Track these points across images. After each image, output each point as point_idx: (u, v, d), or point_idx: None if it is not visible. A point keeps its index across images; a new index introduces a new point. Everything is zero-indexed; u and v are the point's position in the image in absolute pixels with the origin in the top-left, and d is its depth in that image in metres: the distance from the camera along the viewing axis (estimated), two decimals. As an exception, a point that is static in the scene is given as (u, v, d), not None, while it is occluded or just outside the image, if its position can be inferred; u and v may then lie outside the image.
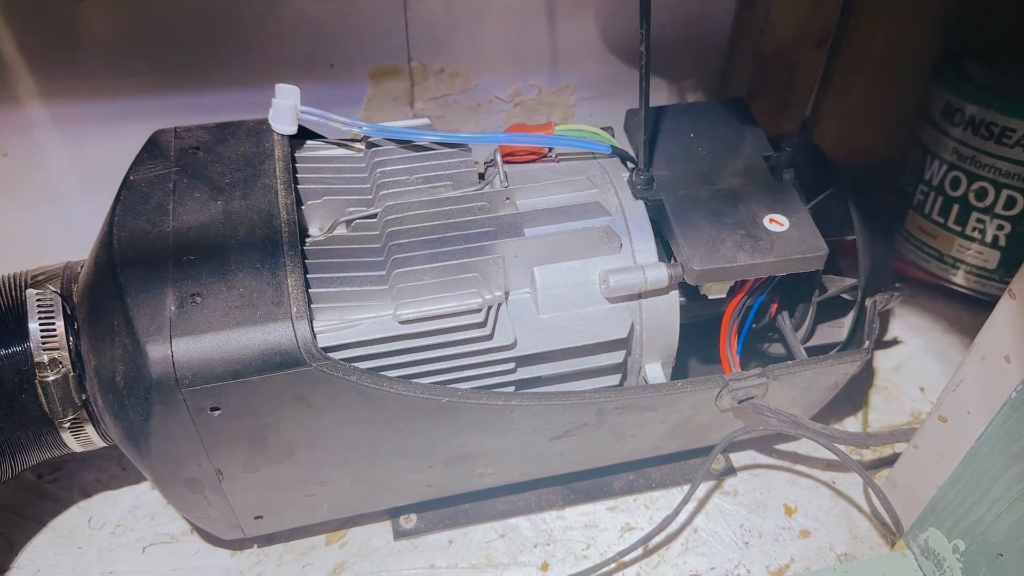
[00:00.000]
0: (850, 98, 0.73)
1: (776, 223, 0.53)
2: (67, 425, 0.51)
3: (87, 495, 0.63)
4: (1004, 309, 0.48)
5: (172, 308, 0.45)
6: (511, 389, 0.53)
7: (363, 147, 0.57)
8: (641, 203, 0.55)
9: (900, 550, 0.56)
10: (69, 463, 0.64)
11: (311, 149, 0.56)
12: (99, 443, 0.54)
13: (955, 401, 0.53)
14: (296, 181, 0.53)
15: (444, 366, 0.50)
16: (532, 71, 0.69)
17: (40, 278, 0.52)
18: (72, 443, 0.53)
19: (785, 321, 0.59)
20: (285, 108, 0.53)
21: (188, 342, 0.44)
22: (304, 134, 0.56)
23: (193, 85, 0.62)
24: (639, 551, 0.59)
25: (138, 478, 0.64)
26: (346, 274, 0.49)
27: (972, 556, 0.50)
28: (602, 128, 0.59)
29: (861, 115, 0.74)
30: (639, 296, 0.53)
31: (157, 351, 0.44)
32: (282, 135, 0.54)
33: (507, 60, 0.68)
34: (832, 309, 0.62)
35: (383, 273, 0.50)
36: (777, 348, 0.64)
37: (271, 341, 0.45)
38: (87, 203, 0.62)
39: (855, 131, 0.75)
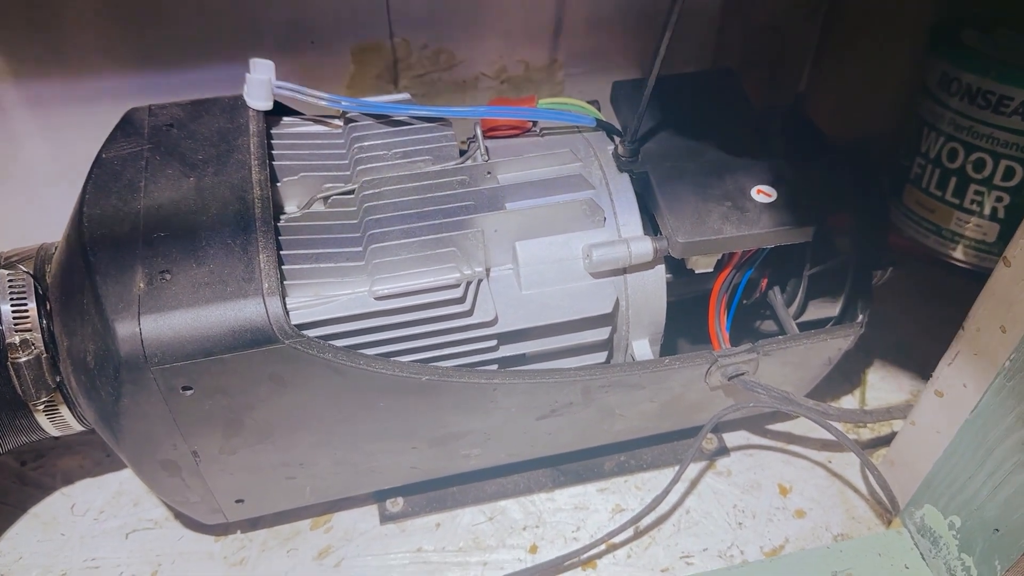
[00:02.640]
0: (844, 71, 0.71)
1: (764, 194, 0.52)
2: (41, 407, 0.50)
3: (70, 481, 0.62)
4: (999, 278, 0.47)
5: (141, 285, 0.44)
6: (494, 368, 0.52)
7: (341, 123, 0.56)
8: (626, 176, 0.53)
9: (896, 528, 0.54)
10: (52, 450, 0.64)
11: (288, 126, 0.55)
12: (76, 427, 0.53)
13: (951, 374, 0.52)
14: (271, 158, 0.52)
15: (423, 343, 0.49)
16: (519, 46, 0.68)
17: (13, 259, 0.51)
18: (48, 426, 0.52)
19: (776, 296, 0.57)
20: (260, 83, 0.52)
21: (157, 319, 0.43)
22: (281, 111, 0.55)
23: (170, 63, 0.60)
24: (630, 532, 0.58)
25: (122, 465, 0.63)
26: (321, 250, 0.48)
27: (968, 532, 0.49)
28: (588, 102, 0.58)
29: (856, 88, 0.73)
30: (624, 271, 0.52)
31: (125, 329, 0.43)
32: (257, 111, 0.52)
33: (493, 35, 0.66)
34: (825, 284, 0.60)
35: (359, 249, 0.49)
36: (769, 326, 0.63)
37: (242, 318, 0.44)
38: (61, 186, 0.61)
39: (850, 105, 0.74)
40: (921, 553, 0.52)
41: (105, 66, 0.59)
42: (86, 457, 0.63)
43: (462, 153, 0.56)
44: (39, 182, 0.62)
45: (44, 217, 0.62)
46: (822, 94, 0.73)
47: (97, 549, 0.58)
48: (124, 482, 0.62)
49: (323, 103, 0.52)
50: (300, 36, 0.62)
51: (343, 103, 0.53)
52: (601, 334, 0.53)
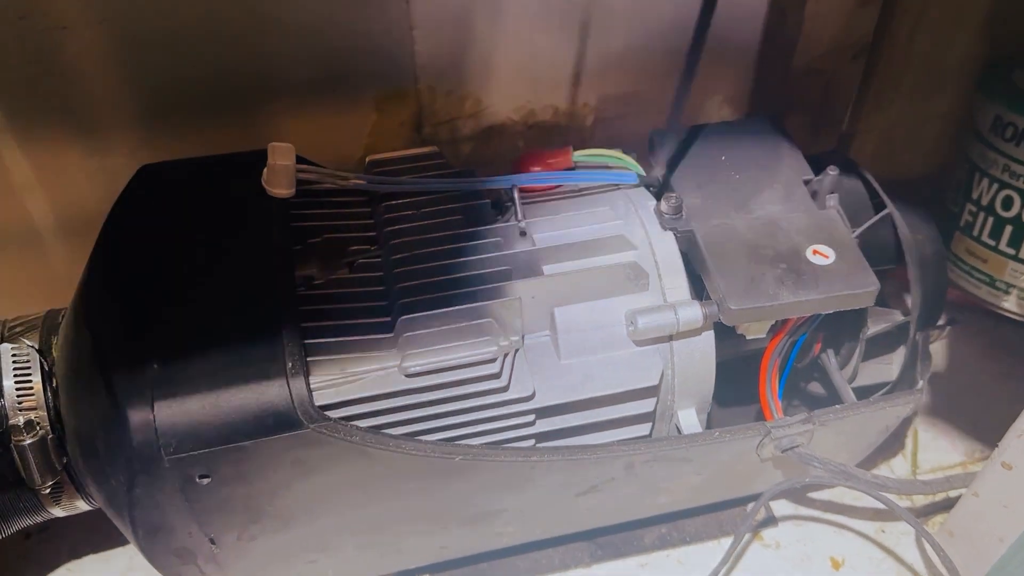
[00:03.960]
0: (889, 112, 0.68)
1: (820, 255, 0.48)
2: (48, 492, 0.47)
3: (77, 556, 0.59)
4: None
5: (155, 367, 0.41)
6: (531, 443, 0.48)
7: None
8: (670, 234, 0.50)
9: (963, 612, 0.50)
10: (58, 522, 0.60)
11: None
12: (84, 507, 0.49)
13: (1021, 445, 0.48)
14: (293, 219, 0.48)
15: (456, 421, 0.46)
16: (546, 91, 0.65)
17: (17, 329, 0.48)
18: (56, 510, 0.49)
19: (830, 359, 0.54)
20: (281, 170, 0.47)
21: (172, 405, 0.40)
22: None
23: (186, 114, 0.57)
24: (676, 613, 0.54)
25: (132, 542, 0.59)
26: (347, 322, 0.45)
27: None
28: (625, 152, 0.54)
29: (901, 130, 0.69)
30: (670, 338, 0.49)
31: (137, 416, 0.40)
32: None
33: (519, 80, 0.63)
34: (879, 346, 0.57)
35: (388, 320, 0.45)
36: (817, 388, 0.59)
37: (264, 401, 0.40)
38: (71, 243, 0.58)
39: (895, 147, 0.70)
40: (995, 643, 0.48)
41: (115, 120, 0.56)
42: (93, 531, 0.59)
43: (495, 206, 0.53)
44: (45, 240, 0.59)
45: (50, 279, 0.59)
46: (865, 136, 0.69)
47: (106, 632, 0.54)
48: (134, 558, 0.58)
49: (351, 184, 0.49)
50: (322, 85, 0.59)
51: (371, 185, 0.49)
52: (646, 406, 0.49)
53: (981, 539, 0.51)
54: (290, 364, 0.41)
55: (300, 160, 0.46)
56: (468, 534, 0.52)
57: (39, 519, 0.50)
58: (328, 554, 0.49)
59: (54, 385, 0.46)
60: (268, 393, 0.40)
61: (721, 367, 0.51)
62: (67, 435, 0.45)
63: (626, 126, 0.67)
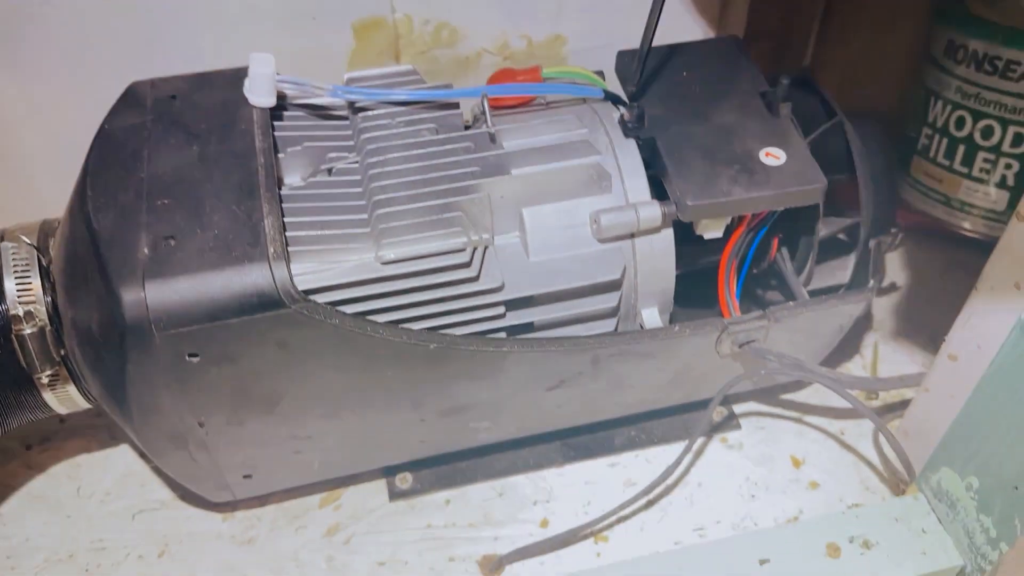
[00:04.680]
0: (850, 44, 0.71)
1: (772, 157, 0.51)
2: (46, 381, 0.49)
3: (76, 465, 0.62)
4: (1012, 233, 0.46)
5: (145, 251, 0.44)
6: (503, 336, 0.51)
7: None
8: (632, 141, 0.53)
9: (912, 494, 0.53)
10: (57, 433, 0.63)
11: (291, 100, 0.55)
12: (82, 403, 0.52)
13: (965, 337, 0.51)
14: (274, 128, 0.51)
15: (431, 311, 0.49)
16: (521, 21, 0.67)
17: (15, 232, 0.51)
18: (54, 403, 0.52)
19: (785, 262, 0.57)
20: (261, 78, 0.50)
21: (162, 284, 0.43)
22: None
23: (168, 33, 0.60)
24: (641, 504, 0.57)
25: (128, 447, 0.62)
26: (326, 218, 0.48)
27: (987, 492, 0.48)
28: (594, 73, 0.57)
29: (861, 61, 0.72)
30: (632, 236, 0.52)
31: (130, 294, 0.42)
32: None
33: (495, 10, 0.66)
34: (834, 252, 0.60)
35: (364, 216, 0.48)
36: (777, 298, 0.62)
37: (248, 282, 0.43)
38: (61, 165, 0.61)
39: (855, 77, 0.73)
40: (938, 517, 0.52)
41: (104, 41, 0.59)
42: (92, 440, 0.63)
43: (467, 128, 0.55)
44: (36, 162, 0.62)
45: (44, 196, 0.62)
46: (827, 67, 0.72)
47: (104, 530, 0.57)
48: (131, 464, 0.61)
49: (327, 95, 0.52)
50: (302, 12, 0.62)
51: (349, 95, 0.52)
52: (610, 300, 0.52)
53: (931, 432, 0.54)
54: (271, 249, 0.44)
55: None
56: (446, 428, 0.55)
57: (40, 415, 0.52)
58: (313, 444, 0.52)
59: (51, 282, 0.49)
60: (251, 274, 0.43)
61: (683, 281, 0.54)
62: (64, 327, 0.48)
63: (600, 57, 0.70)
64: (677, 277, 0.54)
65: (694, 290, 0.57)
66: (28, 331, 0.47)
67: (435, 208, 0.48)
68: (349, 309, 0.47)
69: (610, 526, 0.57)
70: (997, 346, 0.47)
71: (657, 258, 0.52)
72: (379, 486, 0.59)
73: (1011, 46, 0.61)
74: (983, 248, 0.53)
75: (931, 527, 0.51)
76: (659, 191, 0.52)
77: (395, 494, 0.59)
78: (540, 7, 0.67)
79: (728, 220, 0.52)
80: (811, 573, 0.49)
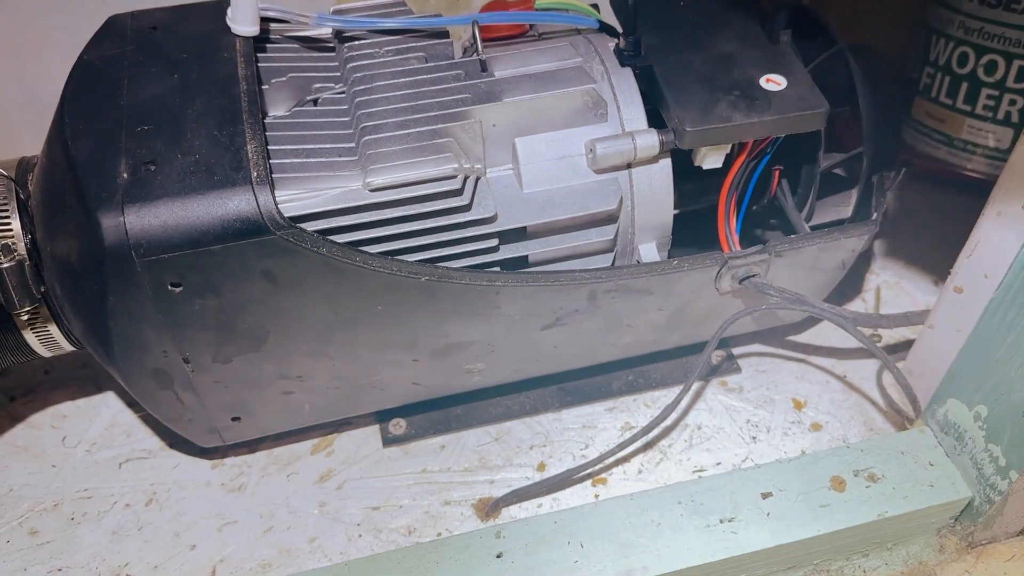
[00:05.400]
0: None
1: (773, 83, 0.50)
2: (26, 318, 0.48)
3: (61, 415, 0.60)
4: (1020, 154, 0.45)
5: (125, 176, 0.42)
6: (496, 271, 0.50)
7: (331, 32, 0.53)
8: (628, 70, 0.51)
9: (918, 428, 0.52)
10: (42, 384, 0.62)
11: (275, 31, 0.53)
12: (65, 345, 0.51)
13: (971, 267, 0.50)
14: (258, 60, 0.50)
15: (422, 242, 0.47)
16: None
17: (-8, 169, 0.49)
18: (35, 344, 0.50)
19: (786, 196, 0.55)
20: (244, 5, 0.49)
21: (141, 209, 0.41)
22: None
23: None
24: (639, 445, 0.56)
25: (114, 397, 0.61)
26: (312, 146, 0.46)
27: (995, 420, 0.47)
28: (589, 5, 0.56)
29: (864, 1, 0.70)
30: (629, 166, 0.50)
31: (109, 219, 0.41)
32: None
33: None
34: (837, 187, 0.58)
35: (352, 145, 0.47)
36: (778, 236, 0.60)
37: (230, 207, 0.42)
38: (36, 106, 0.59)
39: (855, 18, 0.71)
40: (945, 450, 0.50)
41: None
42: (77, 390, 0.61)
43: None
44: (14, 100, 0.60)
45: (23, 135, 0.60)
46: (825, 8, 0.70)
47: (90, 480, 0.56)
48: (117, 414, 0.60)
49: (312, 23, 0.50)
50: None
51: (335, 23, 0.50)
52: (606, 233, 0.51)
53: (937, 369, 0.53)
54: (255, 173, 0.42)
55: None
56: (439, 369, 0.53)
57: (22, 358, 0.51)
58: (304, 384, 0.51)
59: (31, 216, 0.47)
60: (234, 199, 0.42)
61: (681, 224, 0.53)
62: (44, 263, 0.46)
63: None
64: (675, 218, 0.52)
65: (692, 234, 0.56)
66: (6, 265, 0.46)
67: (424, 134, 0.46)
68: (338, 239, 0.45)
69: (608, 468, 0.55)
70: (1003, 269, 0.46)
71: (655, 190, 0.51)
72: (372, 432, 0.58)
73: (1016, -24, 0.59)
74: (986, 190, 0.52)
75: (938, 460, 0.50)
76: (657, 123, 0.51)
77: (388, 440, 0.57)
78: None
79: (728, 148, 0.50)
80: (815, 506, 0.47)
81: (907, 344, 0.62)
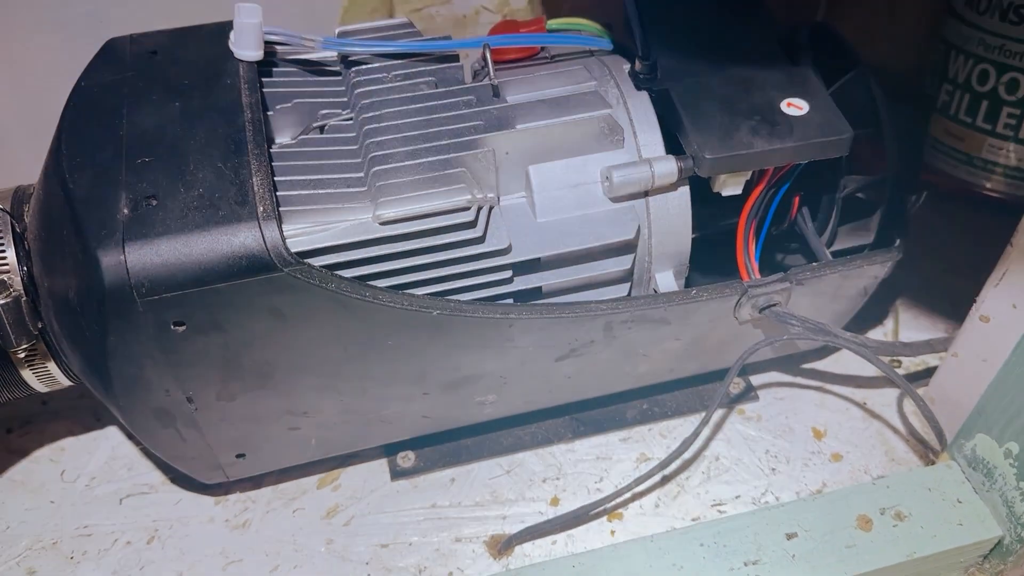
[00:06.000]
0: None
1: (794, 107, 0.48)
2: (23, 356, 0.46)
3: (60, 448, 0.58)
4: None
5: (125, 212, 0.40)
6: (510, 302, 0.48)
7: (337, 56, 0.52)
8: (644, 94, 0.50)
9: (944, 463, 0.51)
10: (39, 416, 0.60)
11: (280, 55, 0.51)
12: (63, 381, 0.49)
13: (998, 296, 0.48)
14: (262, 84, 0.48)
15: (433, 275, 0.46)
16: (521, -23, 0.64)
17: (-13, 200, 0.48)
18: (32, 381, 0.49)
19: (806, 222, 0.54)
20: (248, 29, 0.47)
21: (143, 246, 0.39)
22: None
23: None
24: (656, 480, 0.55)
25: (114, 430, 0.59)
26: (319, 176, 0.44)
27: (1028, 459, 0.45)
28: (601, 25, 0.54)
29: (877, 16, 0.69)
30: (646, 194, 0.48)
31: (109, 257, 0.39)
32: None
33: (494, -35, 0.63)
34: (857, 213, 0.57)
35: (361, 175, 0.45)
36: (797, 261, 0.59)
37: (236, 243, 0.40)
38: (34, 128, 0.57)
39: (872, 35, 0.70)
40: (973, 487, 0.49)
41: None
42: (76, 423, 0.60)
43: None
44: (9, 127, 0.58)
45: (18, 162, 0.58)
46: (841, 24, 0.69)
47: (90, 516, 0.54)
48: (117, 447, 0.58)
49: (318, 47, 0.48)
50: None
51: (341, 46, 0.49)
52: (622, 263, 0.49)
53: (962, 400, 0.51)
54: (261, 208, 0.41)
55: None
56: (450, 402, 0.52)
57: (18, 393, 0.49)
58: (310, 419, 0.49)
59: (27, 249, 0.45)
60: (240, 235, 0.40)
61: (698, 249, 0.51)
62: (41, 298, 0.45)
63: (604, 14, 0.66)
64: (692, 243, 0.51)
65: (709, 260, 0.54)
66: (2, 302, 0.44)
67: (436, 164, 0.45)
68: (347, 273, 0.44)
69: (624, 503, 0.54)
70: (1037, 305, 0.44)
71: (673, 217, 0.49)
72: (380, 465, 0.56)
73: (1039, -7, 0.58)
74: (1006, 210, 0.51)
75: (966, 497, 0.48)
76: (674, 147, 0.49)
77: (397, 473, 0.56)
78: (541, -39, 0.64)
79: (748, 175, 0.49)
80: (842, 547, 0.46)
81: (929, 371, 0.60)
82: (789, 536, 0.46)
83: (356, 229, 0.43)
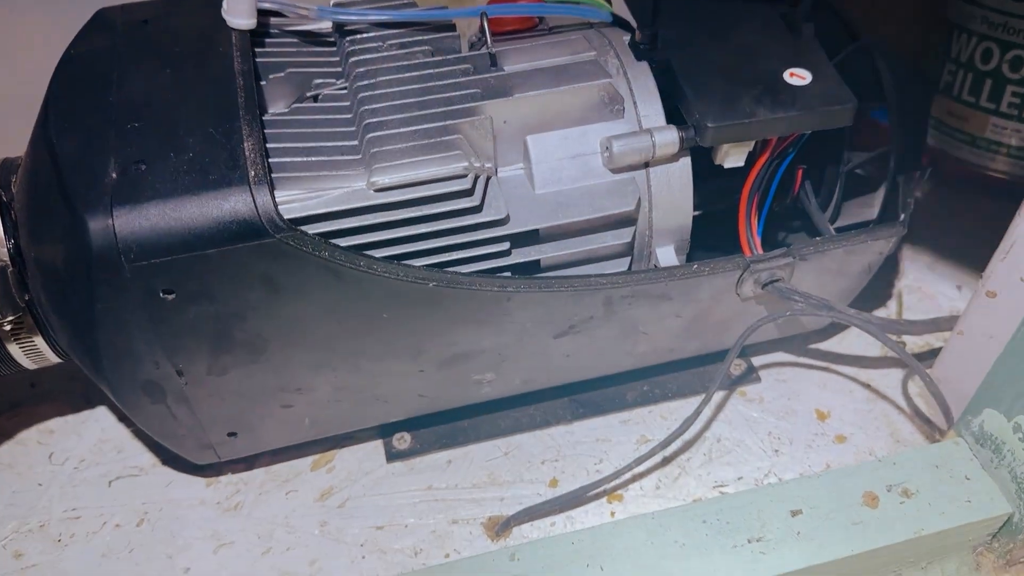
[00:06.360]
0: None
1: (798, 77, 0.47)
2: (9, 328, 0.45)
3: (48, 431, 0.57)
4: (1063, 149, 0.42)
5: (113, 176, 0.39)
6: (508, 275, 0.47)
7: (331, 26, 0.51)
8: (645, 64, 0.49)
9: (952, 439, 0.50)
10: (28, 399, 0.59)
11: (273, 25, 0.50)
12: (52, 357, 0.48)
13: (1005, 270, 0.47)
14: (255, 54, 0.47)
15: (430, 246, 0.45)
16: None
17: (-27, 171, 0.46)
18: (20, 356, 0.47)
19: (809, 197, 0.53)
20: None
21: (131, 210, 0.38)
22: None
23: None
24: (657, 461, 0.54)
25: (104, 412, 0.58)
26: (313, 144, 0.43)
27: (1038, 432, 0.44)
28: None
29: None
30: (646, 165, 0.48)
31: (96, 221, 0.38)
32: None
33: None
34: (861, 189, 0.56)
35: (355, 143, 0.44)
36: (801, 239, 0.58)
37: (226, 208, 0.39)
38: (21, 103, 0.56)
39: (872, 14, 0.69)
40: (981, 463, 0.48)
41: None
42: (65, 404, 0.59)
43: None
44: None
45: (6, 135, 0.57)
46: (841, 3, 0.68)
47: (78, 499, 0.53)
48: (107, 429, 0.57)
49: (313, 16, 0.47)
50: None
51: (336, 16, 0.48)
52: (623, 236, 0.48)
53: (968, 378, 0.50)
54: (252, 172, 0.40)
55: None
56: (447, 380, 0.51)
57: (6, 371, 0.48)
58: (304, 397, 0.48)
59: (13, 219, 0.44)
60: (231, 200, 0.39)
61: (699, 227, 0.50)
62: (28, 269, 0.44)
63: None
64: (694, 220, 0.50)
65: (711, 238, 0.53)
66: (-13, 272, 0.43)
67: (432, 131, 0.44)
68: (341, 242, 0.43)
69: (624, 484, 0.53)
70: (1046, 275, 0.44)
71: (674, 190, 0.48)
72: (375, 447, 0.55)
73: (1043, -32, 0.57)
74: (1010, 192, 0.50)
75: (974, 473, 0.47)
76: (675, 119, 0.48)
77: (393, 455, 0.55)
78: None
79: (751, 146, 0.48)
80: (848, 523, 0.45)
81: (932, 352, 0.59)
82: (794, 513, 0.45)
83: (350, 196, 0.42)
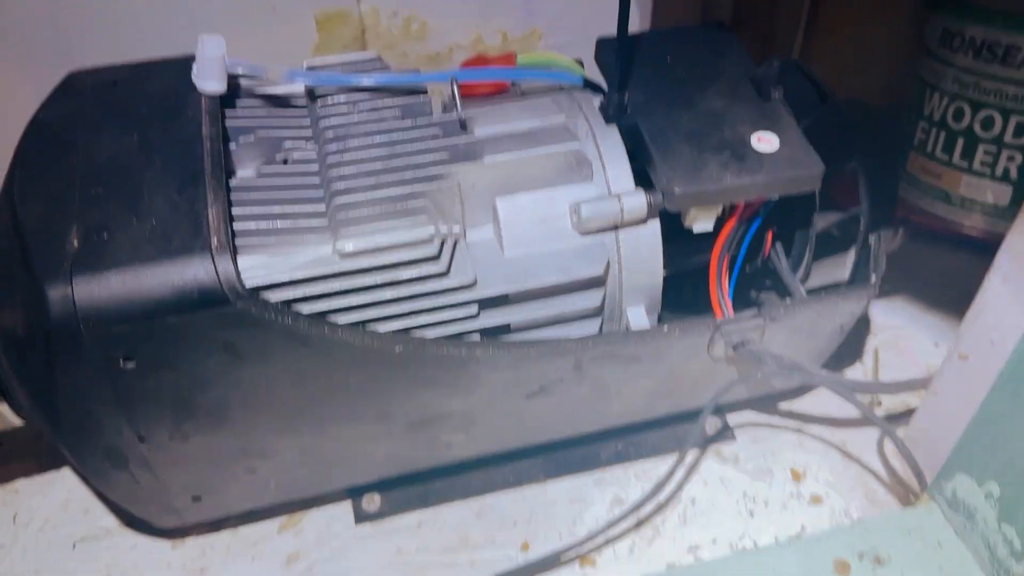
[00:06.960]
0: (839, 34, 0.68)
1: (765, 142, 0.48)
2: (-32, 394, 0.45)
3: (12, 491, 0.56)
4: (1026, 217, 0.43)
5: (75, 244, 0.39)
6: (476, 339, 0.47)
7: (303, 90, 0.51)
8: (614, 128, 0.49)
9: (924, 504, 0.49)
10: (-7, 456, 0.58)
11: (244, 89, 0.50)
12: (14, 420, 0.48)
13: (976, 333, 0.47)
14: (224, 116, 0.47)
15: (397, 311, 0.44)
16: (495, 15, 0.64)
17: (-61, 233, 0.46)
18: (-21, 419, 0.47)
19: (780, 258, 0.53)
20: (211, 61, 0.46)
21: (91, 278, 0.38)
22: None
23: (112, 24, 0.56)
24: (631, 523, 0.53)
25: (70, 471, 0.57)
26: (279, 208, 0.43)
27: (1009, 500, 0.44)
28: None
29: (852, 53, 0.69)
30: (615, 228, 0.48)
31: (56, 290, 0.38)
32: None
33: (468, 2, 0.63)
34: (832, 249, 0.56)
35: (322, 208, 0.44)
36: (772, 300, 0.58)
37: (188, 276, 0.39)
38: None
39: (845, 71, 0.70)
40: (955, 529, 0.47)
41: (44, 29, 0.54)
42: (30, 464, 0.58)
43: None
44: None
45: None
46: (815, 60, 0.69)
47: (42, 560, 0.52)
48: (73, 490, 0.56)
49: (283, 80, 0.47)
50: (259, 2, 0.58)
51: (307, 79, 0.48)
52: (592, 299, 0.48)
53: (941, 439, 0.50)
54: (215, 239, 0.40)
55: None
56: (415, 443, 0.50)
57: (-34, 433, 0.48)
58: (268, 461, 0.48)
59: (-24, 283, 0.44)
60: (192, 268, 0.39)
61: (670, 286, 0.50)
62: (-10, 333, 0.43)
63: (578, 51, 0.66)
64: (664, 280, 0.50)
65: (682, 296, 0.53)
66: (-53, 337, 0.43)
67: (399, 197, 0.44)
68: (306, 308, 0.42)
69: (597, 548, 0.52)
70: (1014, 340, 0.43)
71: (643, 252, 0.48)
72: (344, 508, 0.54)
73: (1011, 31, 0.58)
74: (984, 248, 0.50)
75: (947, 540, 0.47)
76: (644, 182, 0.48)
77: (361, 517, 0.54)
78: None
79: (719, 210, 0.48)
80: (819, 594, 0.44)
81: (908, 411, 0.59)
82: (764, 583, 0.45)
83: (316, 263, 0.42)
